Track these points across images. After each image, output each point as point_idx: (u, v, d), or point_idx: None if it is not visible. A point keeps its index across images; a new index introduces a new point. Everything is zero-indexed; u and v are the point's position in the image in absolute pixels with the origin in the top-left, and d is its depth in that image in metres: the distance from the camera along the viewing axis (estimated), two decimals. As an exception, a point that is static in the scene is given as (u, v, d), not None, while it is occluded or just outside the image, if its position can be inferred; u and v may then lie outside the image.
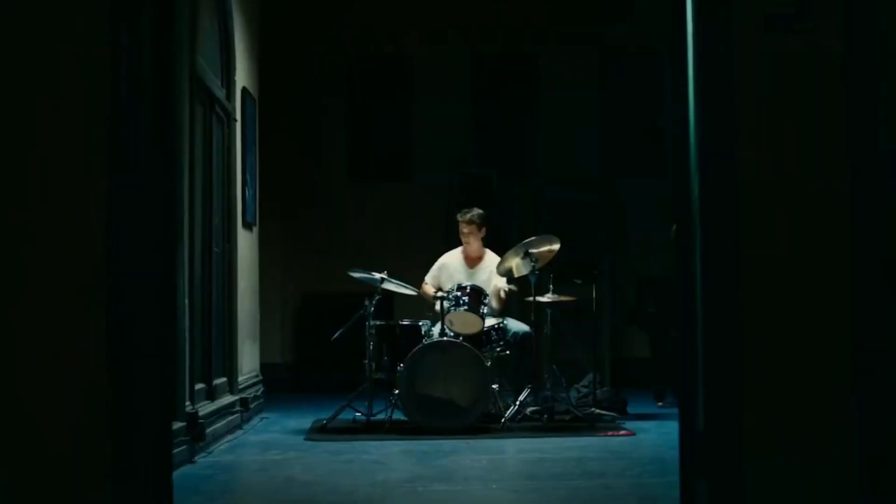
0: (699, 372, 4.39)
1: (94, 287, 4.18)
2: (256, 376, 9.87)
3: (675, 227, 4.69)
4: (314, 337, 11.52)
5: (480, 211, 9.22)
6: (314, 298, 12.14)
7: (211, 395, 7.80)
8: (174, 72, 6.35)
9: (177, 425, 6.50)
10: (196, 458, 6.92)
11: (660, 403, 10.04)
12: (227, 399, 8.31)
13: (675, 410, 9.60)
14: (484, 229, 9.20)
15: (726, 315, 4.30)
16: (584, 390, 9.66)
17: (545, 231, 9.01)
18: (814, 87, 4.39)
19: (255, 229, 9.94)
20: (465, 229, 9.14)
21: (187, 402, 6.87)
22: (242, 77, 9.21)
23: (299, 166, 12.43)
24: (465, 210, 9.24)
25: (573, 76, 12.64)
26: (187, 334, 6.93)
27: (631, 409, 9.43)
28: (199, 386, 7.42)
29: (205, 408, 7.45)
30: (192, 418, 6.78)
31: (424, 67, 12.63)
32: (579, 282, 9.40)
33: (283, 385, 11.53)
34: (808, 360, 4.35)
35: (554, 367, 8.86)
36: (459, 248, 9.36)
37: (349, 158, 12.66)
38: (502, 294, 9.06)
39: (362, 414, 8.43)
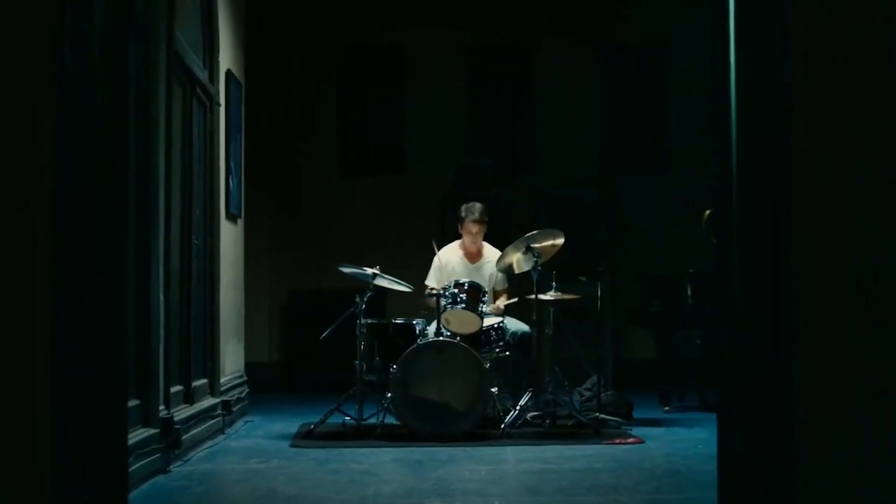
0: (735, 382, 3.83)
1: (36, 279, 3.60)
2: (241, 377, 9.36)
3: (707, 214, 4.11)
4: (302, 335, 11.15)
5: (483, 206, 8.74)
6: (303, 295, 11.79)
7: (189, 398, 7.28)
8: (147, 40, 5.81)
9: (149, 432, 5.99)
10: (171, 466, 6.39)
11: (666, 408, 9.61)
12: (208, 402, 7.79)
13: (683, 416, 9.61)
14: (486, 224, 8.71)
15: (775, 316, 3.74)
16: (587, 393, 9.16)
17: (544, 225, 8.46)
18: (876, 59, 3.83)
19: (240, 222, 9.42)
20: (474, 228, 8.67)
21: (161, 407, 6.34)
22: (227, 59, 8.69)
23: (288, 157, 12.05)
24: (470, 206, 8.73)
25: (571, 69, 12.26)
26: (162, 332, 6.40)
27: (636, 414, 8.97)
28: (175, 388, 6.90)
29: (182, 412, 6.93)
30: (167, 424, 6.26)
31: (418, 57, 12.27)
32: (584, 279, 8.92)
33: (270, 386, 11.21)
34: (871, 369, 3.77)
35: (556, 369, 8.36)
36: (457, 243, 8.87)
37: (340, 150, 12.29)
38: (501, 308, 8.57)
39: (352, 418, 7.99)
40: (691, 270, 9.64)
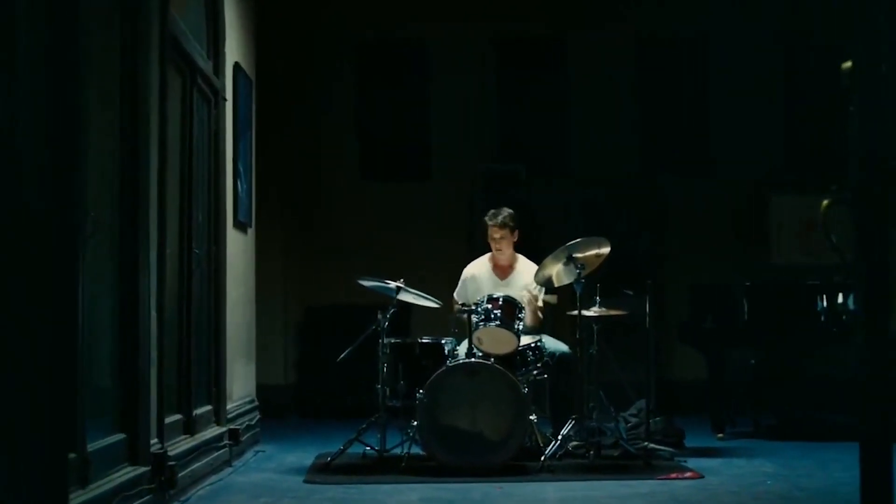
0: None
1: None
2: (251, 402, 8.54)
3: (825, 205, 3.20)
4: (320, 355, 10.51)
5: (511, 212, 7.93)
6: (320, 311, 11.06)
7: (190, 427, 6.44)
8: (135, 16, 4.98)
9: (138, 471, 5.15)
10: (165, 509, 5.54)
11: (719, 435, 8.79)
12: (212, 431, 6.96)
13: (738, 444, 8.76)
14: (517, 233, 7.92)
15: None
16: (633, 419, 8.31)
17: (580, 232, 7.56)
18: None
19: (251, 231, 8.60)
20: (496, 234, 7.85)
21: (154, 440, 5.50)
22: (235, 52, 7.88)
23: (304, 162, 11.31)
24: (495, 212, 7.93)
25: (608, 62, 11.54)
26: (155, 354, 5.56)
27: (687, 442, 8.16)
28: (172, 418, 6.08)
29: (180, 445, 6.10)
30: (160, 460, 5.42)
31: (442, 52, 11.50)
32: (630, 293, 8.05)
33: (285, 410, 10.65)
34: None
35: (601, 393, 7.49)
36: (486, 256, 8.05)
37: (359, 154, 11.54)
38: (539, 305, 7.71)
39: (374, 449, 7.23)
40: (748, 283, 8.77)
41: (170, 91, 5.98)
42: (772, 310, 8.65)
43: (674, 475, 6.79)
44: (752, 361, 9.26)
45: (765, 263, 11.06)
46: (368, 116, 11.51)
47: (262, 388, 9.28)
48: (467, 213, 10.88)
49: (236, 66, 7.87)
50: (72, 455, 4.33)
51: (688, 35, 11.59)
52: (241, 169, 7.96)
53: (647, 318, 8.11)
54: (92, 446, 4.67)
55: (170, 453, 5.68)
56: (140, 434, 5.22)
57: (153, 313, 5.52)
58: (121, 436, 5.13)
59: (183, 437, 6.30)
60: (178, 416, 6.26)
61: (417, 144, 11.52)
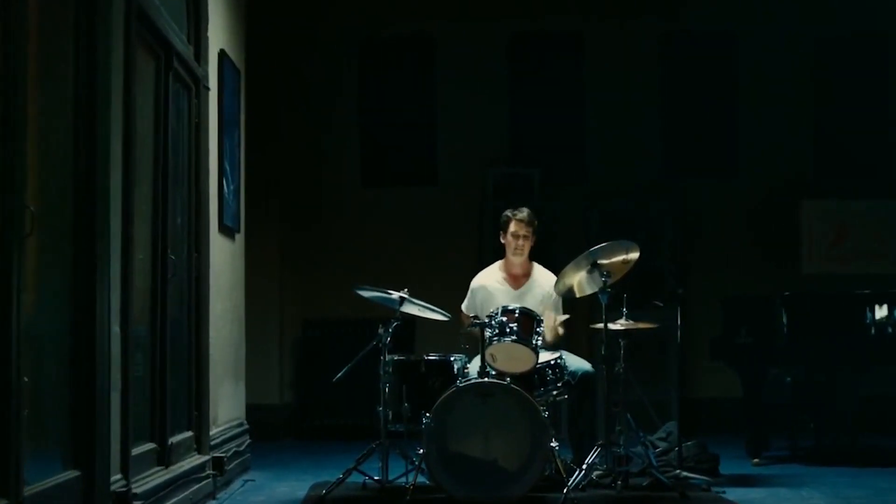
0: None
1: None
2: (240, 425, 7.81)
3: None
4: (318, 373, 9.98)
5: (531, 211, 7.22)
6: (319, 326, 10.52)
7: (164, 458, 5.69)
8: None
9: (93, 514, 4.36)
10: (130, 556, 4.78)
11: (755, 461, 8.11)
12: (193, 461, 6.21)
13: (776, 470, 8.01)
14: (535, 237, 7.18)
15: None
16: (662, 444, 7.58)
17: (600, 242, 6.75)
18: None
19: (239, 238, 7.88)
20: (521, 230, 7.13)
21: (116, 477, 4.74)
22: (220, 38, 7.16)
23: (302, 165, 10.78)
24: (514, 209, 7.25)
25: (629, 59, 11.02)
26: (119, 376, 4.81)
27: (721, 469, 7.48)
28: (141, 448, 5.33)
29: (151, 479, 5.34)
30: (123, 499, 4.64)
31: (451, 49, 10.99)
32: (660, 304, 7.30)
33: (281, 432, 10.16)
34: None
35: (628, 415, 6.74)
36: (496, 265, 7.34)
37: (362, 158, 11.03)
38: (558, 324, 6.97)
39: (374, 479, 6.61)
40: (786, 293, 8.03)
41: (138, 73, 5.25)
42: (814, 323, 7.92)
43: (715, 510, 6.02)
44: (789, 379, 8.49)
45: (795, 273, 10.52)
46: (371, 117, 11.02)
47: (255, 409, 8.70)
48: (477, 220, 10.45)
49: (222, 53, 7.15)
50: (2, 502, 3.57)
51: (714, 31, 11.08)
52: (228, 168, 7.23)
53: (679, 332, 7.37)
54: (33, 488, 3.90)
55: (137, 490, 4.93)
56: (97, 470, 4.44)
57: (115, 329, 4.76)
58: (73, 473, 4.36)
59: (156, 469, 5.55)
60: (149, 446, 5.51)
61: (423, 147, 11.02)
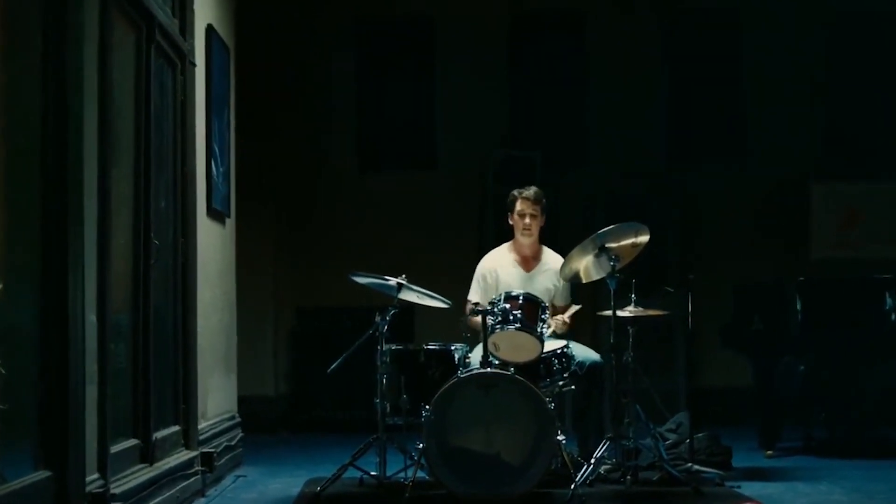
0: None
1: None
2: (231, 418, 7.52)
3: None
4: (314, 363, 9.56)
5: (539, 189, 6.92)
6: (315, 315, 10.32)
7: (148, 455, 5.38)
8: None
9: (65, 518, 4.05)
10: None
11: (769, 453, 7.84)
12: (180, 457, 5.91)
13: (791, 463, 7.63)
14: (544, 217, 6.91)
15: None
16: (672, 436, 7.28)
17: (604, 226, 6.45)
18: None
19: (230, 223, 7.58)
20: (527, 209, 6.86)
21: (94, 476, 4.43)
22: (207, 13, 6.86)
23: (297, 150, 10.47)
24: (521, 188, 6.95)
25: (631, 39, 10.72)
26: (96, 367, 4.49)
27: (734, 461, 7.20)
28: (122, 445, 5.03)
29: (133, 477, 5.04)
30: (100, 500, 4.32)
31: (449, 28, 10.69)
32: (671, 290, 7.01)
33: (276, 424, 9.88)
34: None
35: (637, 407, 6.44)
36: (505, 247, 7.04)
37: (358, 141, 10.75)
38: (567, 316, 6.67)
39: (372, 475, 6.35)
40: (801, 279, 7.73)
41: (117, 45, 4.93)
42: (830, 309, 7.62)
43: (733, 507, 5.71)
44: (802, 368, 8.18)
45: (803, 259, 10.24)
46: (369, 99, 10.72)
47: (248, 401, 8.44)
48: (477, 205, 10.19)
49: (209, 28, 6.83)
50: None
51: (718, 9, 10.78)
52: (217, 149, 6.92)
53: (690, 319, 7.06)
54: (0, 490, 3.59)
55: (116, 490, 4.62)
56: (70, 470, 4.13)
57: (91, 317, 4.44)
58: (44, 473, 4.04)
59: (139, 467, 5.24)
60: (131, 442, 5.21)
61: (422, 130, 10.72)
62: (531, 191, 6.85)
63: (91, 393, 4.45)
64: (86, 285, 4.34)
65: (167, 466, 5.58)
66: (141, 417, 5.35)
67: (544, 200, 6.88)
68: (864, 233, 10.41)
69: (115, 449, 4.82)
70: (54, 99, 4.14)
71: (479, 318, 6.17)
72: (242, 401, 8.07)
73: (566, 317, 6.69)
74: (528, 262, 6.92)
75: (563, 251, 6.57)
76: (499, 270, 6.91)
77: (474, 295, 6.90)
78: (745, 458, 7.43)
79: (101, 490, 4.43)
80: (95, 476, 4.48)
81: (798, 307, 7.66)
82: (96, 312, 4.54)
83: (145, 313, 5.41)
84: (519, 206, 6.83)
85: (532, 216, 6.81)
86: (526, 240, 6.87)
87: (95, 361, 4.52)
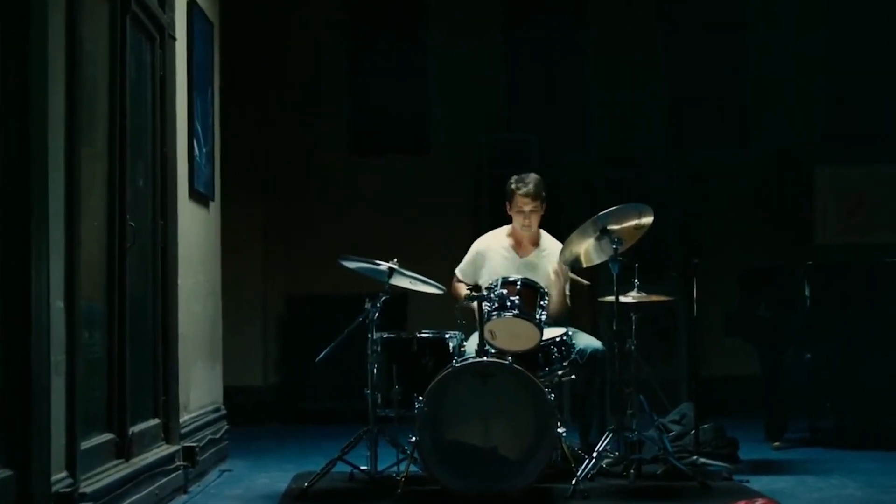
0: None
1: None
2: (216, 410, 7.24)
3: None
4: (303, 352, 9.22)
5: (539, 178, 6.68)
6: (305, 302, 10.07)
7: (124, 450, 5.08)
8: None
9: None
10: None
11: (776, 444, 7.60)
12: (160, 452, 5.62)
13: (799, 455, 7.28)
14: (545, 205, 6.66)
15: None
16: (676, 428, 7.03)
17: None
18: None
19: (214, 206, 7.29)
20: (526, 206, 6.55)
21: (61, 475, 4.14)
22: (188, -16, 6.51)
23: (285, 133, 10.18)
24: (520, 177, 6.66)
25: (632, 17, 10.51)
26: (64, 357, 4.20)
27: (740, 453, 6.95)
28: (97, 440, 4.75)
29: (107, 475, 4.75)
30: (67, 501, 4.01)
31: (442, 7, 10.43)
32: (675, 274, 6.74)
33: (265, 415, 9.62)
34: None
35: (641, 398, 6.20)
36: (504, 230, 6.81)
37: (350, 124, 10.46)
38: (567, 290, 6.43)
39: (362, 470, 6.11)
40: (810, 263, 7.48)
41: (87, 14, 4.62)
42: (840, 295, 7.38)
43: (743, 503, 5.41)
44: (809, 356, 7.93)
45: (808, 244, 10.02)
46: (360, 80, 10.42)
47: (235, 391, 8.20)
48: (472, 190, 9.98)
49: (191, 2, 6.50)
50: None
51: None
52: (200, 128, 6.62)
53: (695, 306, 6.78)
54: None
55: (87, 489, 4.32)
56: (34, 468, 3.84)
57: (58, 304, 4.15)
58: (5, 472, 3.75)
59: (114, 463, 4.94)
60: (106, 437, 4.91)
61: (415, 113, 10.44)
62: (530, 185, 6.52)
63: (58, 385, 4.16)
64: (51, 269, 4.05)
65: (145, 462, 5.29)
66: (116, 410, 5.05)
67: (544, 193, 6.59)
68: (874, 217, 10.21)
69: (86, 444, 4.53)
70: (14, 72, 3.83)
71: (462, 290, 5.97)
72: (229, 392, 7.80)
73: (567, 286, 6.47)
74: (526, 248, 6.65)
75: (562, 237, 6.30)
76: (489, 254, 6.68)
77: (461, 271, 6.72)
78: (752, 449, 7.18)
79: (69, 489, 4.13)
80: (63, 474, 4.18)
81: (807, 293, 7.41)
82: (64, 298, 4.24)
83: (121, 300, 5.11)
84: (518, 202, 6.55)
85: (532, 212, 6.54)
86: (526, 232, 6.61)
87: (63, 351, 4.23)
